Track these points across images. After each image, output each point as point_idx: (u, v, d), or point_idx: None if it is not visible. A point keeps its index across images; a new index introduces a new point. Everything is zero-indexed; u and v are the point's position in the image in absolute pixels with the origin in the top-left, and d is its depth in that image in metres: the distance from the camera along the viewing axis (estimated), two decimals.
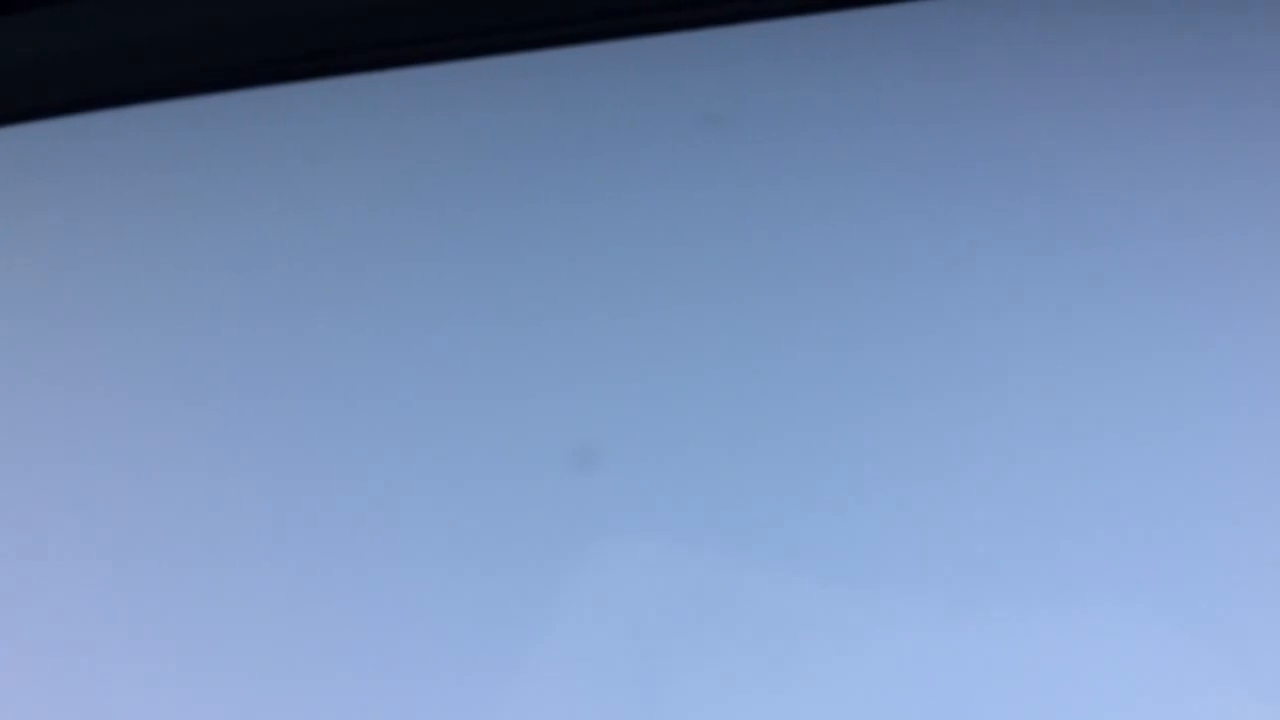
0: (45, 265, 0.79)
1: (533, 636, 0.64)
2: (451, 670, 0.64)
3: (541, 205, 0.78)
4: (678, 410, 0.70)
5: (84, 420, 0.72)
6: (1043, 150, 0.77)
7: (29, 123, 0.84)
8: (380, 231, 0.78)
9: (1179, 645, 0.62)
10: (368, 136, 0.82)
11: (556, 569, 0.66)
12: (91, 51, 0.86)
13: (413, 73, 0.83)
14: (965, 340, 0.71)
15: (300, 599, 0.66)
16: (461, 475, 0.69)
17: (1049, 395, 0.69)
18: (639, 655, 0.64)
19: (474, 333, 0.73)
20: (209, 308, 0.76)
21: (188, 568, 0.67)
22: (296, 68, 0.84)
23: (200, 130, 0.83)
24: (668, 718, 0.63)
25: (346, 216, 0.79)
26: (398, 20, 0.85)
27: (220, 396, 0.72)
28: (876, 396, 0.69)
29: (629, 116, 0.81)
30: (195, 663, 0.65)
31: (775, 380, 0.70)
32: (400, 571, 0.66)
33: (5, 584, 0.68)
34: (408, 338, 0.74)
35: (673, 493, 0.67)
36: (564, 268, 0.75)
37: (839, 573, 0.65)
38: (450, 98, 0.83)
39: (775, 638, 0.64)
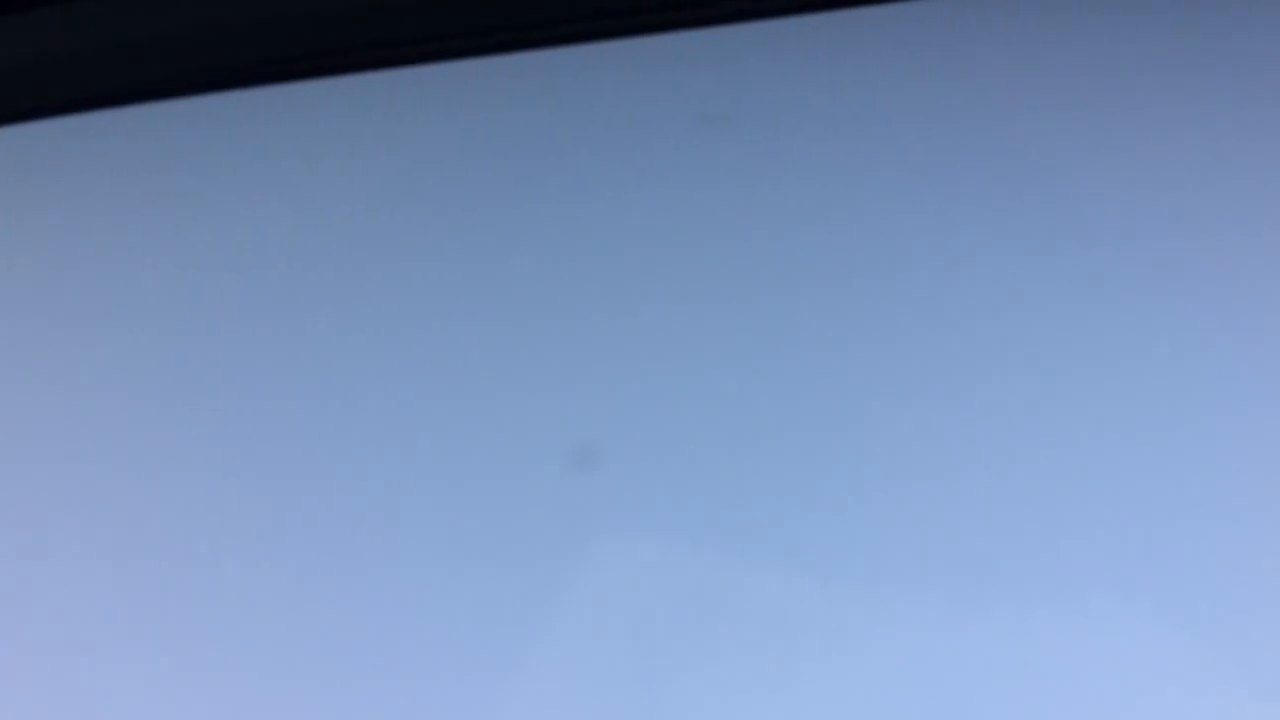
0: (45, 265, 0.79)
1: (532, 636, 0.64)
2: (451, 670, 0.64)
3: (539, 205, 0.78)
4: (677, 410, 0.70)
5: (84, 420, 0.72)
6: (1041, 150, 0.77)
7: (29, 123, 0.84)
8: (380, 231, 0.78)
9: (1179, 645, 0.62)
10: (367, 136, 0.82)
11: (556, 569, 0.66)
12: (91, 51, 0.86)
13: (411, 72, 0.84)
14: (964, 340, 0.71)
15: (300, 598, 0.66)
16: (461, 475, 0.69)
17: (1049, 395, 0.69)
18: (638, 655, 0.64)
19: (473, 332, 0.73)
20: (209, 308, 0.76)
21: (187, 568, 0.67)
22: (296, 68, 0.84)
23: (200, 130, 0.84)
24: (668, 718, 0.63)
25: (346, 216, 0.79)
26: (397, 20, 0.85)
27: (220, 396, 0.72)
28: (875, 396, 0.69)
29: (626, 116, 0.81)
30: (195, 663, 0.65)
31: (774, 379, 0.70)
32: (400, 571, 0.66)
33: (5, 584, 0.68)
34: (407, 337, 0.74)
35: (672, 492, 0.67)
36: (562, 267, 0.75)
37: (839, 572, 0.65)
38: (448, 97, 0.83)
39: (775, 637, 0.64)
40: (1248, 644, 0.62)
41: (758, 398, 0.70)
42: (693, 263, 0.75)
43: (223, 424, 0.71)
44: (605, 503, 0.67)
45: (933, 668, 0.62)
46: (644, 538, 0.66)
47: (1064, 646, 0.63)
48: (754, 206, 0.76)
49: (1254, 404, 0.68)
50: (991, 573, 0.64)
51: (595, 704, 0.63)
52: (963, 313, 0.72)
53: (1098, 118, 0.78)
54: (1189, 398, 0.69)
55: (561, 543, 0.66)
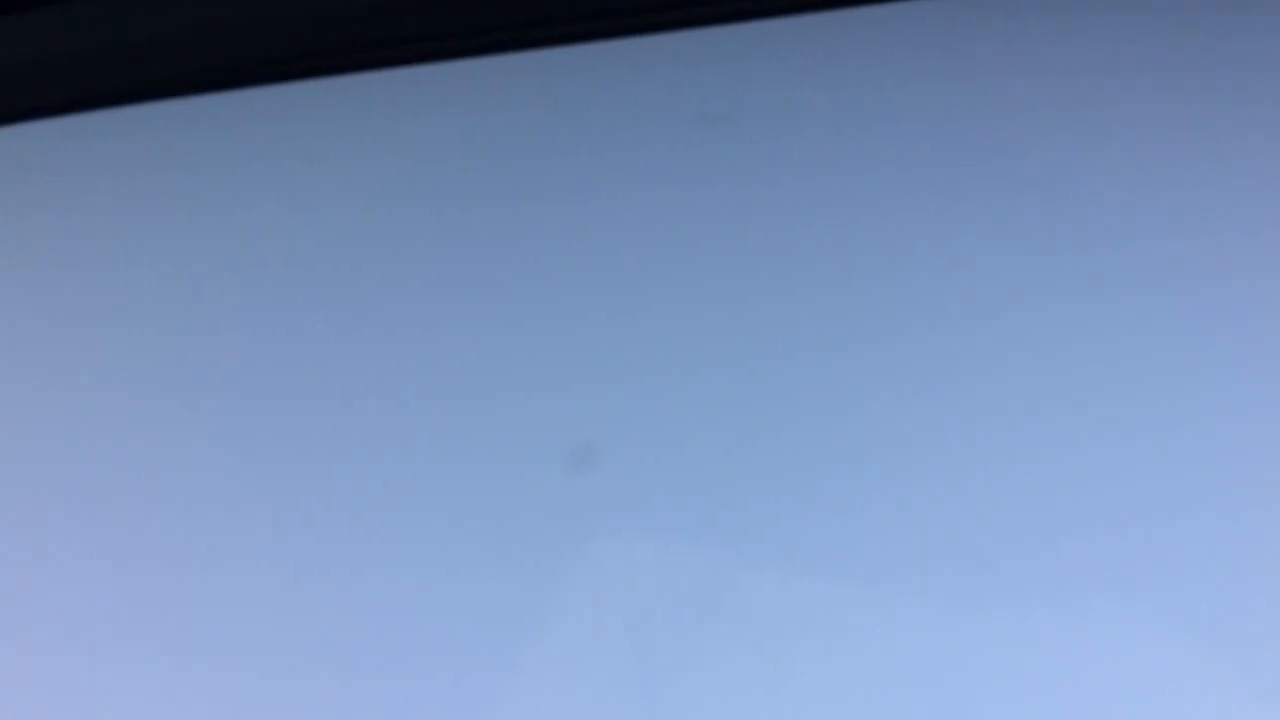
0: (45, 265, 0.79)
1: (531, 636, 0.64)
2: (450, 670, 0.64)
3: (538, 204, 0.78)
4: (676, 410, 0.70)
5: (84, 420, 0.72)
6: (1041, 150, 0.77)
7: (29, 123, 0.84)
8: (379, 231, 0.78)
9: (1179, 645, 0.62)
10: (367, 136, 0.82)
11: (554, 568, 0.66)
12: (91, 51, 0.86)
13: (411, 72, 0.84)
14: (964, 340, 0.71)
15: (299, 598, 0.66)
16: (460, 474, 0.69)
17: (1049, 395, 0.69)
18: (637, 655, 0.63)
19: (472, 332, 0.73)
20: (208, 307, 0.76)
21: (187, 567, 0.67)
22: (296, 68, 0.84)
23: (200, 130, 0.84)
24: (667, 718, 0.63)
25: (345, 216, 0.79)
26: (397, 20, 0.85)
27: (219, 396, 0.72)
28: (875, 396, 0.69)
29: (626, 116, 0.81)
30: (195, 662, 0.65)
31: (773, 379, 0.70)
32: (398, 571, 0.66)
33: (5, 584, 0.68)
34: (406, 337, 0.74)
35: (671, 492, 0.67)
36: (561, 267, 0.75)
37: (838, 572, 0.65)
38: (448, 97, 0.83)
39: (774, 637, 0.63)
40: (1248, 644, 0.62)
41: (757, 397, 0.70)
42: (692, 262, 0.75)
43: (222, 424, 0.71)
44: (603, 502, 0.67)
45: (932, 668, 0.62)
46: (642, 537, 0.66)
47: (1064, 646, 0.63)
48: (754, 206, 0.76)
49: (1254, 404, 0.68)
50: (991, 573, 0.64)
51: (594, 704, 0.63)
52: (962, 312, 0.72)
53: (1098, 118, 0.78)
54: (1189, 397, 0.68)
55: (560, 542, 0.66)
